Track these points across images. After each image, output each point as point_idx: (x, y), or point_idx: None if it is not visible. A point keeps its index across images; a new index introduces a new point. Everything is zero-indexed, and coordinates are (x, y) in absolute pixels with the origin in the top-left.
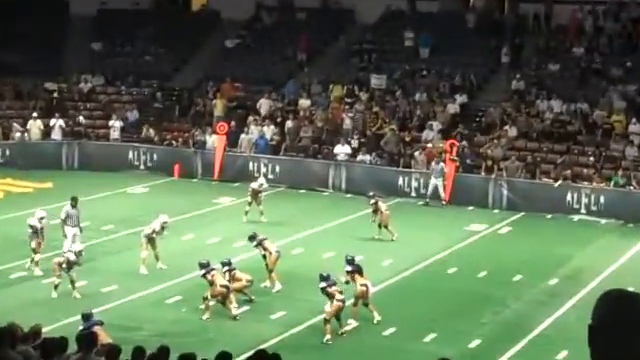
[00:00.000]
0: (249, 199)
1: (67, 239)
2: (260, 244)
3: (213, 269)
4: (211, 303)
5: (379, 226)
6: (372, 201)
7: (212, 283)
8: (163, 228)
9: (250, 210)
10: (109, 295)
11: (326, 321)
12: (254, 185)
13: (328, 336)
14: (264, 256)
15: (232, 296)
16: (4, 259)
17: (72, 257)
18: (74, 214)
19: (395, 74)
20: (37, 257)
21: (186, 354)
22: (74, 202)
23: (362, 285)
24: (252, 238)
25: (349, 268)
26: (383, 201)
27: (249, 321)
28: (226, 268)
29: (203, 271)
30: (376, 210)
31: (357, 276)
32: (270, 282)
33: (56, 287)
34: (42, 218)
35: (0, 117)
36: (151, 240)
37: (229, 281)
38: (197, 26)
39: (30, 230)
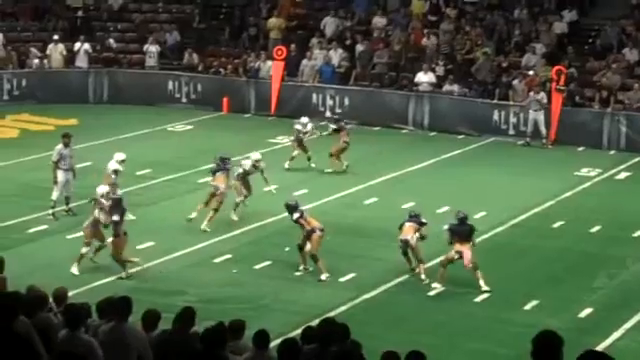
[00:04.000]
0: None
1: (57, 185)
2: (302, 217)
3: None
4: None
5: None
6: None
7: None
8: (255, 167)
9: (297, 156)
10: (145, 253)
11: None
12: (298, 127)
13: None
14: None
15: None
16: (21, 211)
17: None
18: (67, 155)
19: None
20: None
21: (234, 322)
22: (67, 140)
23: (456, 252)
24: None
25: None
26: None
27: (312, 285)
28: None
29: (297, 215)
30: None
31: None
32: (304, 267)
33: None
34: (123, 161)
35: (15, 41)
36: (245, 181)
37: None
38: None
39: (114, 176)
